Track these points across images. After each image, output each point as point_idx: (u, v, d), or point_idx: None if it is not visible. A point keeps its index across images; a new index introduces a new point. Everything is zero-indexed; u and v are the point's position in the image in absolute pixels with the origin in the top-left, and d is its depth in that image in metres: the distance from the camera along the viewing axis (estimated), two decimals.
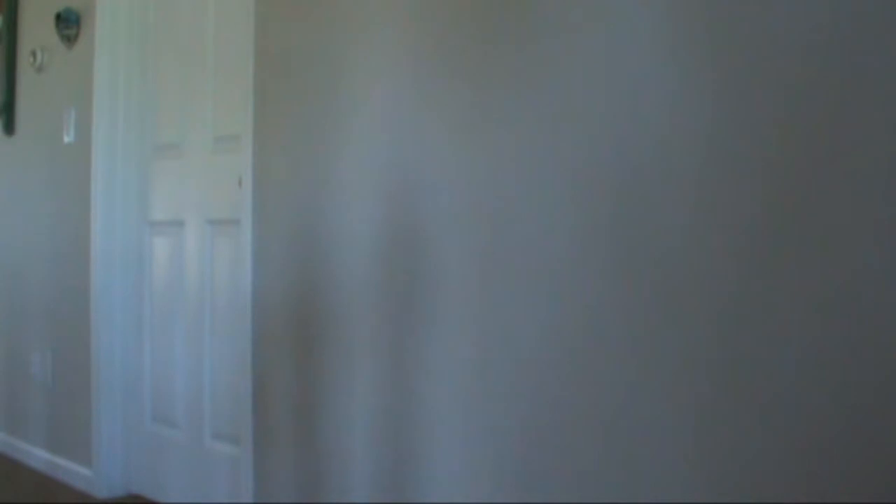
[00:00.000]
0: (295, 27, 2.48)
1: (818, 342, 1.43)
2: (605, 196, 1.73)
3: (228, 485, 2.80)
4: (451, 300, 2.02)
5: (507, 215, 1.91)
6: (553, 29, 1.83)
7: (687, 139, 1.60)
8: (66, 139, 3.48)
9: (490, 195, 1.94)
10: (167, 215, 3.12)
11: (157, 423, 3.17)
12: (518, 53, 1.89)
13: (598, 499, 1.72)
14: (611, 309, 1.71)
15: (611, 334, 1.71)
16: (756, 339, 1.50)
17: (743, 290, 1.52)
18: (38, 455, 3.62)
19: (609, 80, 1.72)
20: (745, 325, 1.52)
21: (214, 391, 2.90)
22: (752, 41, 1.51)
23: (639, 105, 1.67)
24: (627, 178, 1.69)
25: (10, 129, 3.88)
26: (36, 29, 3.71)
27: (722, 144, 1.55)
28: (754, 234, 1.51)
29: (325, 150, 2.36)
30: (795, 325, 1.46)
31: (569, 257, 1.79)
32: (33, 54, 3.68)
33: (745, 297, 1.51)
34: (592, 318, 1.74)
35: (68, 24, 3.42)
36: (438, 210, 2.05)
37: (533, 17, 1.86)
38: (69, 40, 3.45)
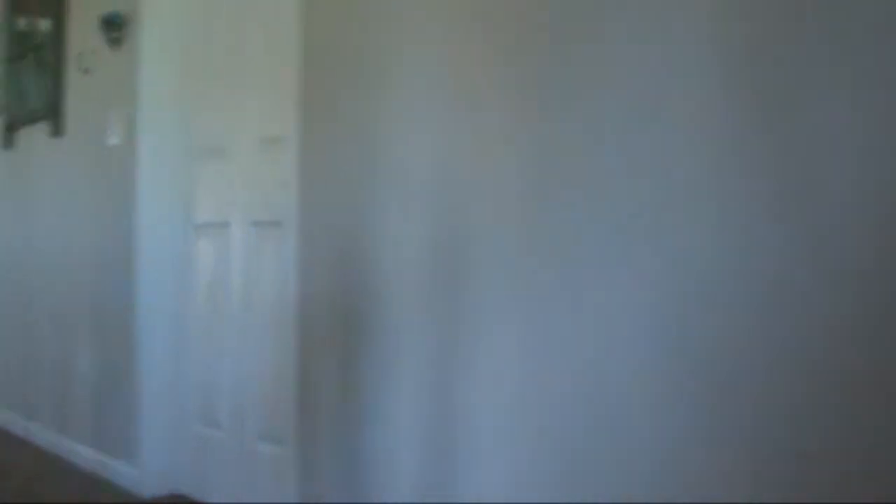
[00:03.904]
0: (341, 28, 2.48)
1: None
2: (654, 204, 1.71)
3: (272, 485, 2.81)
4: (496, 303, 2.01)
5: (554, 219, 1.89)
6: (604, 32, 1.81)
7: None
8: (112, 141, 3.51)
9: (538, 198, 1.93)
10: (212, 217, 3.14)
11: (201, 423, 3.19)
12: (571, 56, 1.88)
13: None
14: (656, 316, 1.69)
15: (653, 342, 1.69)
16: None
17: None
18: (84, 453, 3.66)
19: (660, 85, 1.70)
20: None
21: (258, 392, 2.91)
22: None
23: (674, 109, 1.65)
24: (679, 186, 1.67)
25: (57, 131, 3.93)
26: (82, 32, 3.75)
27: None
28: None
29: (371, 152, 2.36)
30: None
31: (616, 264, 1.77)
32: (80, 57, 3.72)
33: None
34: (637, 326, 1.72)
35: (114, 27, 3.46)
36: (485, 212, 2.04)
37: (585, 20, 1.85)
38: (115, 43, 3.48)
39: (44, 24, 4.03)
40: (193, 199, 3.25)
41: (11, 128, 4.41)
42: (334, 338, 2.47)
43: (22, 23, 4.20)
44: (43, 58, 4.04)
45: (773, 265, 1.54)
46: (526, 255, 1.95)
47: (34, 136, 4.18)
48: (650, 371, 1.72)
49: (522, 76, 1.97)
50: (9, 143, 4.44)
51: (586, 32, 1.84)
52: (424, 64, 2.21)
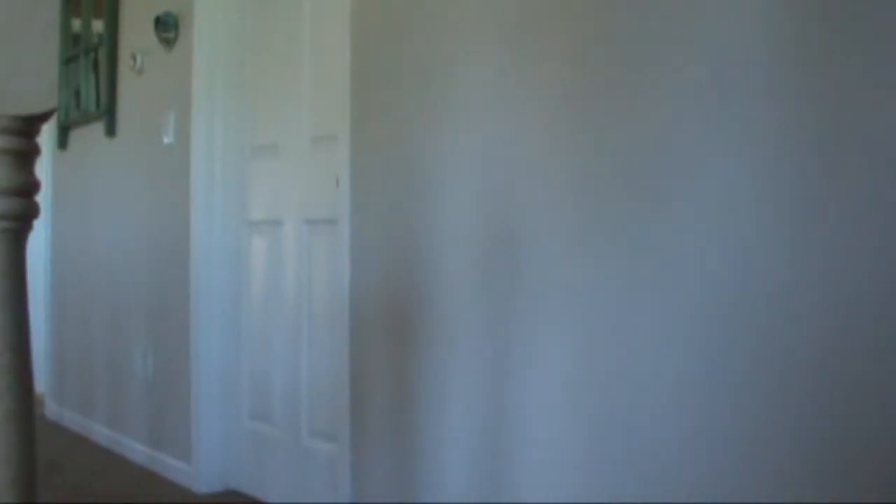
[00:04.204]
0: (391, 27, 2.47)
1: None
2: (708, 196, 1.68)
3: (325, 482, 2.82)
4: (550, 305, 1.99)
5: (606, 222, 1.87)
6: (657, 35, 1.78)
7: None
8: (166, 140, 3.54)
9: (590, 201, 1.90)
10: (265, 215, 3.16)
11: (255, 420, 3.20)
12: (622, 58, 1.85)
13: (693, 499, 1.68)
14: (711, 319, 1.66)
15: (707, 345, 1.66)
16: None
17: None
18: (139, 450, 3.71)
19: (714, 88, 1.67)
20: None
21: (312, 389, 2.92)
22: None
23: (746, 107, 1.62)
24: (736, 189, 1.64)
25: (112, 130, 3.98)
26: (136, 32, 3.79)
27: None
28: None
29: (423, 150, 2.35)
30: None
31: (671, 268, 1.74)
32: (133, 57, 3.76)
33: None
34: (693, 330, 1.70)
35: (167, 28, 3.49)
36: (537, 214, 2.02)
37: (638, 24, 1.82)
38: (168, 43, 3.51)
39: (97, 26, 4.08)
40: (247, 197, 3.27)
41: (67, 128, 4.47)
42: (387, 336, 2.47)
43: (76, 24, 4.26)
44: (97, 59, 4.09)
45: (829, 272, 1.50)
46: (579, 257, 1.93)
47: (89, 136, 4.24)
48: (704, 375, 1.69)
49: (574, 78, 1.95)
50: (64, 143, 4.51)
51: (638, 35, 1.81)
52: (475, 64, 2.20)
